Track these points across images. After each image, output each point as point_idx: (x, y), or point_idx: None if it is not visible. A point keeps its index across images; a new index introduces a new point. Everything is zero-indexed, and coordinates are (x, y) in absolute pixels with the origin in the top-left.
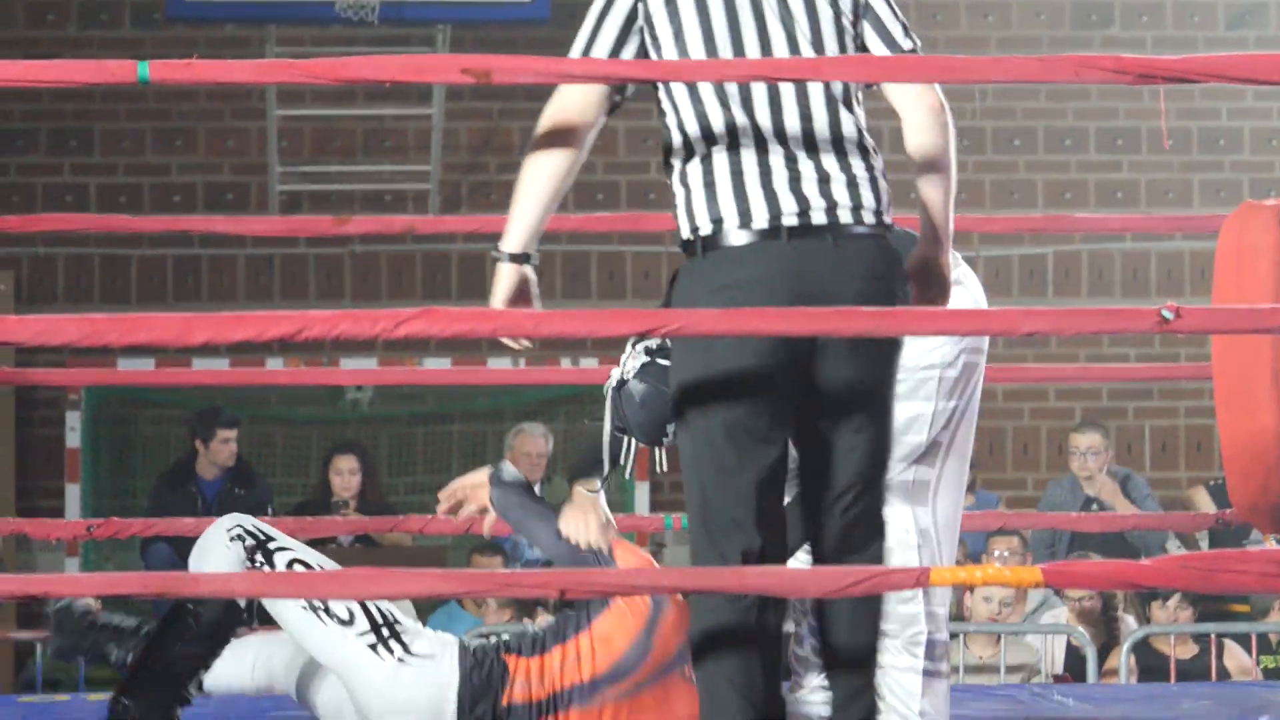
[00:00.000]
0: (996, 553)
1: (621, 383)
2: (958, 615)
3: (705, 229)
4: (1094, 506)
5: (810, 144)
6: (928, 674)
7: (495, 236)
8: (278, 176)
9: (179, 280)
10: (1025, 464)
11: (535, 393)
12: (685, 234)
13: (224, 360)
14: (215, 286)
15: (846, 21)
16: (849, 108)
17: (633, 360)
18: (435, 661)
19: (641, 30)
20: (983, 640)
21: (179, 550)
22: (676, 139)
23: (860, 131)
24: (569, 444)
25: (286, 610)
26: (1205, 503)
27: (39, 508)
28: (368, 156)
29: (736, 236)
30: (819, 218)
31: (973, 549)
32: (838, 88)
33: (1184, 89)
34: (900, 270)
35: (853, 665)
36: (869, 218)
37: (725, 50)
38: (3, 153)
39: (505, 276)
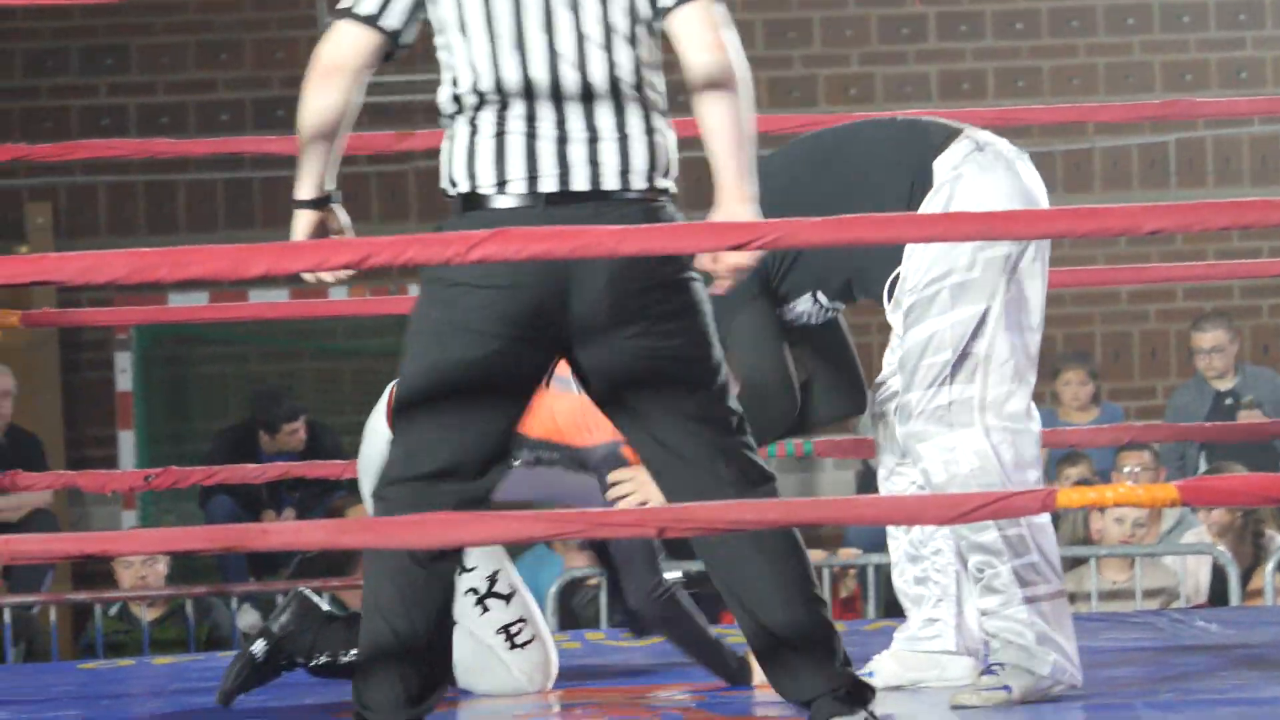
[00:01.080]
0: (1126, 469)
1: None
2: (1084, 539)
3: (464, 187)
4: (1228, 402)
5: (585, 97)
6: (1029, 601)
7: None
8: None
9: (231, 206)
10: (1153, 370)
11: None
12: (446, 187)
13: (283, 291)
14: (270, 211)
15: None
16: (633, 51)
17: None
18: None
19: None
20: (1116, 564)
21: (241, 501)
22: (447, 88)
23: (643, 79)
24: None
25: None
26: None
27: (90, 457)
28: (428, 64)
29: (493, 200)
30: (580, 183)
31: (1100, 466)
32: (620, 31)
33: None
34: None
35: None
36: (638, 182)
37: (504, 24)
38: (33, 75)
39: (296, 223)
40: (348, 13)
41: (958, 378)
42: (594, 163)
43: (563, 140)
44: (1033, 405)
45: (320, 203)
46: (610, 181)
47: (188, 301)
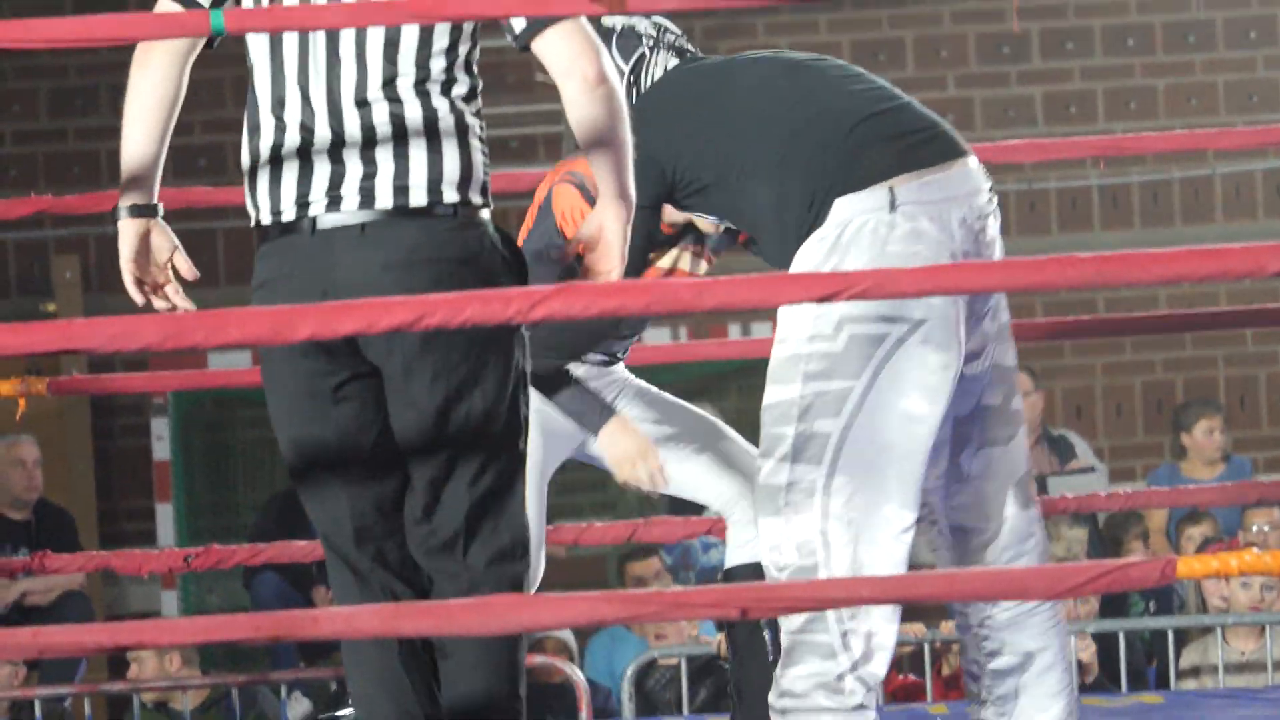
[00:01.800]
0: (1254, 528)
1: None
2: (1200, 607)
3: (253, 218)
4: None
5: (364, 108)
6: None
7: None
8: None
9: None
10: None
11: (700, 368)
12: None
13: None
14: None
15: None
16: (421, 68)
17: None
18: None
19: None
20: (1244, 633)
21: (290, 578)
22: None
23: (440, 87)
24: (743, 423)
25: None
26: None
27: (126, 532)
28: (487, 95)
29: (270, 230)
30: (350, 202)
31: (1226, 524)
32: (411, 43)
33: None
34: (468, 251)
35: None
36: (419, 197)
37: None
38: (60, 115)
39: (122, 235)
40: None
41: (801, 459)
42: (368, 176)
43: (336, 157)
44: (903, 512)
45: (149, 210)
46: (384, 199)
47: (229, 363)
